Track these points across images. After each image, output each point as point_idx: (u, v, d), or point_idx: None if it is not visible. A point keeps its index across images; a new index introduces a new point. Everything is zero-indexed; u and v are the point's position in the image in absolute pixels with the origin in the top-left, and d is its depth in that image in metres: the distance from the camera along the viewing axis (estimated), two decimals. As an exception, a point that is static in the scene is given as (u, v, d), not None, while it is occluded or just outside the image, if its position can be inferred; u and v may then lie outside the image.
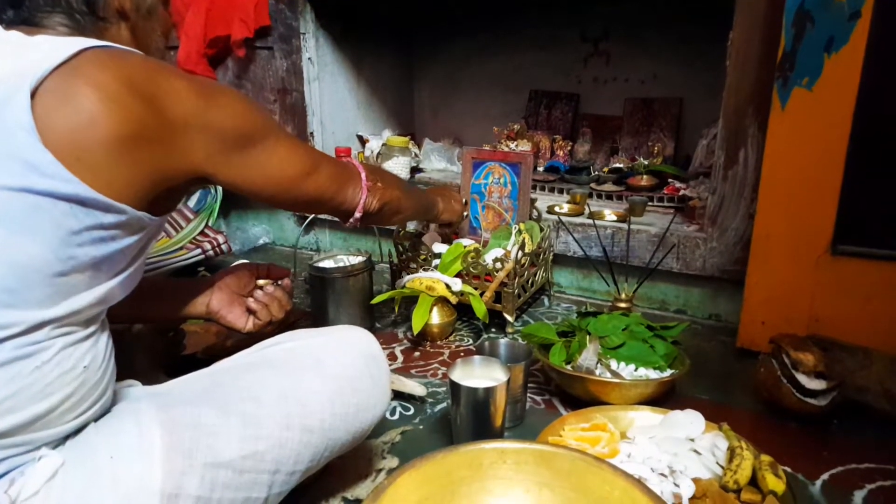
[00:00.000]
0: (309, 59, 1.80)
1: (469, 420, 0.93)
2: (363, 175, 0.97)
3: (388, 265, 1.54)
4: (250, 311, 1.05)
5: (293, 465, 0.72)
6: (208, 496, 0.65)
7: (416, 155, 2.05)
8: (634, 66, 1.94)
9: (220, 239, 1.65)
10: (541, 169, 1.89)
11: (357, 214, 0.97)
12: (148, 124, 0.64)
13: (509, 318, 1.36)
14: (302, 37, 1.77)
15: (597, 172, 1.81)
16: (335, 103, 1.95)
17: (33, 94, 0.58)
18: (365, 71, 2.05)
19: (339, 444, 0.78)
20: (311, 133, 1.87)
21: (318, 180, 0.88)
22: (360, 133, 2.06)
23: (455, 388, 0.92)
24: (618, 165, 1.79)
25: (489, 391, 0.91)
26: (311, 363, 0.78)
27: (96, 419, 0.67)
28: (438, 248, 1.44)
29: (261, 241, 1.95)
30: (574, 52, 2.01)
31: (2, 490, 0.56)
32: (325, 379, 0.77)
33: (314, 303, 1.42)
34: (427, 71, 2.28)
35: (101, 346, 0.67)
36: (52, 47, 0.61)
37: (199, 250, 1.61)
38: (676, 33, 1.81)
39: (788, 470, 0.90)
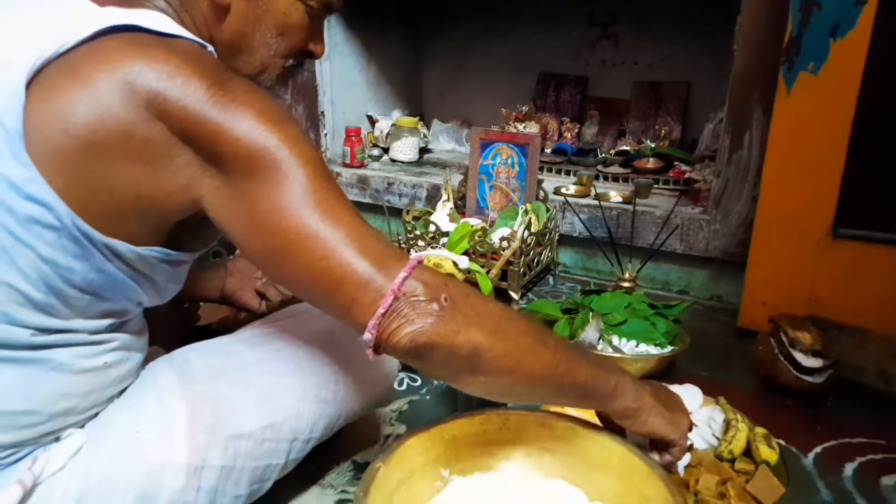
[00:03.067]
0: (320, 38, 1.82)
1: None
2: (406, 269, 0.56)
3: (397, 242, 1.57)
4: (260, 294, 1.10)
5: (309, 434, 0.75)
6: (231, 465, 0.68)
7: (424, 135, 2.07)
8: (643, 49, 1.95)
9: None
10: (548, 151, 1.91)
11: (366, 336, 0.56)
12: (135, 134, 0.53)
13: (514, 296, 1.40)
14: (313, 16, 1.78)
15: (604, 155, 1.84)
16: (345, 83, 1.97)
17: (29, 85, 0.52)
18: (374, 52, 2.06)
19: (352, 412, 0.81)
20: (322, 112, 1.90)
21: (320, 247, 0.56)
22: (369, 113, 2.09)
23: (461, 359, 0.95)
24: (624, 148, 1.81)
25: (494, 362, 0.94)
26: (323, 336, 0.80)
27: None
28: (446, 226, 1.47)
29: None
30: (583, 35, 2.02)
31: (25, 467, 0.58)
32: (338, 351, 0.79)
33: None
34: (435, 52, 2.30)
35: (125, 344, 0.65)
36: (74, 24, 0.54)
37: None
38: (684, 17, 1.82)
39: (782, 443, 0.93)
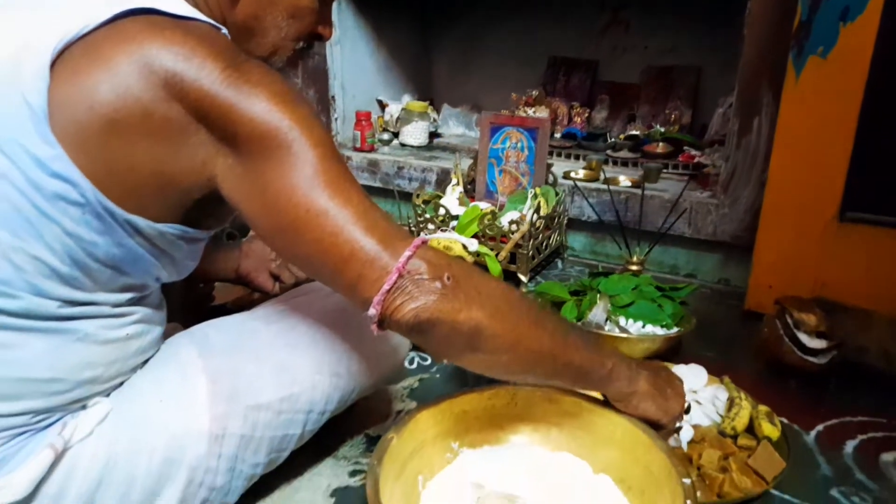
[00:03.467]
0: (332, 22, 1.83)
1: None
2: (410, 248, 0.59)
3: (407, 226, 1.59)
4: (274, 276, 1.13)
5: (324, 406, 0.78)
6: (251, 434, 0.71)
7: (434, 120, 2.09)
8: (653, 34, 1.95)
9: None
10: (558, 135, 1.91)
11: (371, 311, 0.59)
12: (154, 112, 0.56)
13: (523, 279, 1.42)
14: (325, 0, 1.80)
15: (613, 139, 1.84)
16: (356, 67, 1.98)
17: (52, 67, 0.54)
18: (384, 36, 2.07)
19: (365, 386, 0.84)
20: (333, 96, 1.92)
21: (329, 225, 0.58)
22: (379, 97, 2.10)
23: (471, 337, 0.98)
24: (634, 133, 1.82)
25: (503, 340, 0.96)
26: (337, 313, 0.82)
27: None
28: (456, 210, 1.49)
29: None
30: (593, 19, 2.02)
31: (55, 432, 0.61)
32: (351, 328, 0.82)
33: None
34: (445, 36, 2.30)
35: (146, 317, 0.68)
36: (93, 8, 0.56)
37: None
38: (695, 2, 1.81)
39: (785, 421, 0.95)
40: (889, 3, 1.06)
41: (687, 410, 0.79)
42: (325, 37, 0.78)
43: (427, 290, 0.58)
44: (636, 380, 0.72)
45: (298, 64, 1.90)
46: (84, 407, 0.65)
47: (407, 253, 0.58)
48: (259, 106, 0.57)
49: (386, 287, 0.57)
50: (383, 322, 0.60)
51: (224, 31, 0.64)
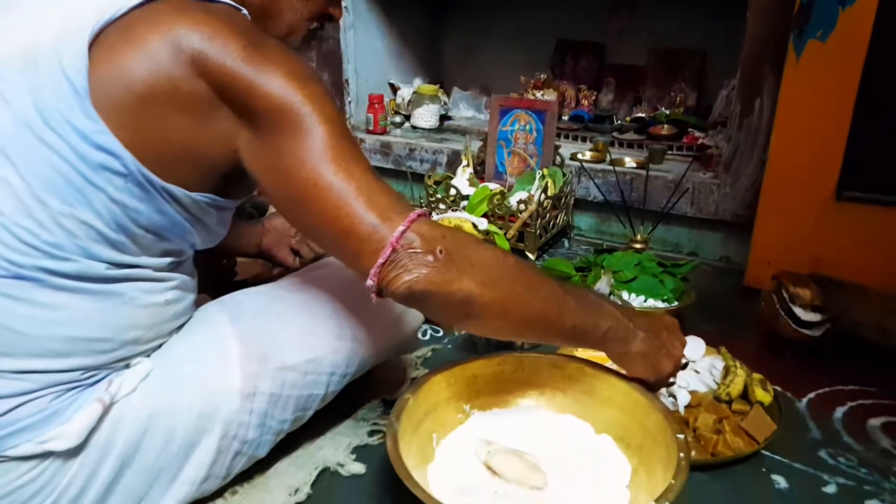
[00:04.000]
0: (345, 7, 1.87)
1: (491, 339, 1.05)
2: (404, 223, 0.63)
3: (420, 205, 1.65)
4: (294, 251, 1.19)
5: (345, 369, 0.85)
6: (279, 393, 0.78)
7: (445, 103, 2.13)
8: (660, 17, 1.97)
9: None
10: (566, 118, 1.95)
11: (368, 283, 0.64)
12: (182, 89, 0.61)
13: (531, 257, 1.47)
14: (339, -14, 1.84)
15: (619, 122, 1.88)
16: (368, 51, 2.02)
17: (90, 48, 0.59)
18: (396, 21, 2.11)
19: (382, 352, 0.90)
20: (346, 80, 1.96)
21: (332, 199, 0.62)
22: (391, 81, 2.14)
23: (481, 308, 1.03)
24: (640, 115, 1.85)
25: (511, 312, 1.02)
26: (355, 284, 0.85)
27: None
28: (467, 190, 1.54)
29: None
30: (601, 2, 2.04)
31: (102, 388, 0.67)
32: (368, 298, 0.87)
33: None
34: (455, 20, 2.33)
35: (182, 284, 0.74)
36: None
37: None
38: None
39: (778, 388, 1.00)
40: (887, -12, 1.10)
41: (684, 367, 0.84)
42: (336, 16, 0.83)
43: (420, 264, 0.62)
44: (630, 341, 0.76)
45: (312, 45, 1.95)
46: (128, 366, 0.71)
47: (401, 228, 0.62)
48: (275, 82, 0.62)
49: (381, 260, 0.62)
50: (381, 292, 0.65)
51: (244, 11, 0.69)
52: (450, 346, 1.16)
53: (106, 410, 0.66)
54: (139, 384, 0.70)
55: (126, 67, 0.60)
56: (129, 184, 0.62)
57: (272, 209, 1.54)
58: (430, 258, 0.63)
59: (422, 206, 1.59)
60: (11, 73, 0.60)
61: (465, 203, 1.50)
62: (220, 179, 0.68)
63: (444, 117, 2.11)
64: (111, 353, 0.68)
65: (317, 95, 0.64)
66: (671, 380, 0.84)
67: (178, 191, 0.65)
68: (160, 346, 0.74)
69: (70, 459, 0.65)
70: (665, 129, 1.74)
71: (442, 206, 1.54)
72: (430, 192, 1.57)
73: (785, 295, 1.14)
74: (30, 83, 0.59)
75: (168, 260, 0.71)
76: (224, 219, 0.75)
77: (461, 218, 1.44)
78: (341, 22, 1.89)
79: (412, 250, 0.63)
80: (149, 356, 0.73)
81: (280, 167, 0.63)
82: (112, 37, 0.60)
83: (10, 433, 0.61)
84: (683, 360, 0.84)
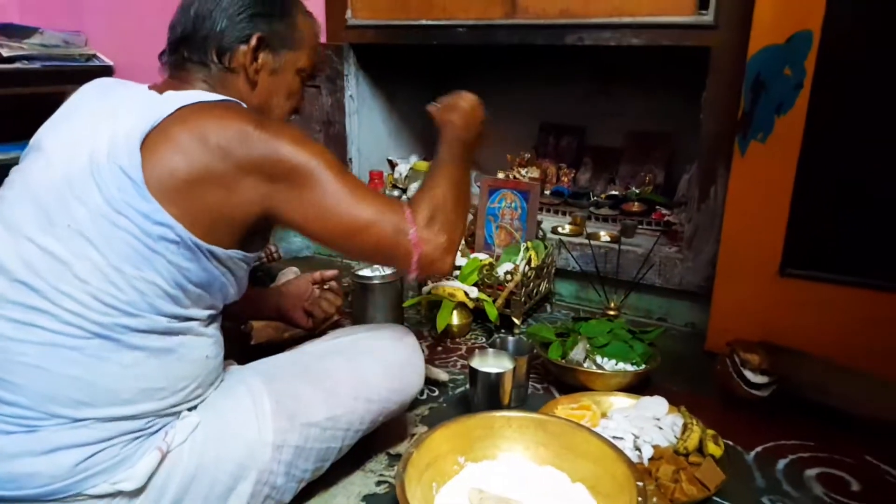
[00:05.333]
0: (350, 95, 2.09)
1: (483, 398, 1.20)
2: (411, 226, 0.91)
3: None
4: (308, 312, 1.35)
5: (359, 426, 1.00)
6: (303, 445, 0.92)
7: (438, 177, 2.32)
8: (633, 103, 2.18)
9: (273, 248, 1.94)
10: (547, 192, 2.14)
11: (411, 276, 0.96)
12: (214, 169, 0.80)
13: (516, 321, 1.63)
14: (345, 78, 2.06)
15: (595, 198, 2.07)
16: (370, 133, 2.23)
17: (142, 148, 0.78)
18: (396, 104, 2.32)
19: (390, 411, 1.06)
20: (350, 159, 2.16)
21: (367, 237, 0.90)
22: (390, 157, 2.34)
23: (473, 372, 1.19)
24: (614, 192, 2.05)
25: (500, 375, 1.18)
26: (370, 352, 1.05)
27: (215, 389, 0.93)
28: (458, 261, 1.71)
29: (303, 253, 2.23)
30: (581, 89, 2.26)
31: (160, 438, 0.82)
32: (381, 364, 1.04)
33: (355, 304, 1.68)
34: (449, 101, 2.56)
35: (217, 342, 0.92)
36: (158, 106, 0.81)
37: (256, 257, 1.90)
38: (670, 76, 2.05)
39: (730, 442, 1.16)
40: (814, 100, 1.30)
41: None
42: (302, 109, 1.07)
43: (433, 247, 0.94)
44: (454, 145, 1.09)
45: (319, 128, 2.14)
46: (178, 416, 0.85)
47: (413, 229, 0.91)
48: (285, 149, 0.84)
49: (414, 264, 0.93)
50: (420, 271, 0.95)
51: (244, 105, 0.90)
52: (445, 405, 1.31)
53: (163, 457, 0.81)
54: (189, 435, 0.84)
55: (168, 160, 0.79)
56: (181, 248, 0.80)
57: (281, 276, 1.71)
58: (434, 240, 0.93)
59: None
60: (82, 176, 0.79)
61: (457, 272, 1.67)
62: (246, 236, 0.88)
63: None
64: (165, 399, 0.83)
65: (318, 151, 0.87)
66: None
67: (218, 250, 0.83)
68: (201, 397, 0.89)
69: (134, 499, 0.79)
70: (636, 206, 1.94)
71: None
72: (426, 262, 1.74)
73: (737, 360, 1.30)
74: (97, 182, 0.78)
75: (209, 313, 0.88)
76: (246, 272, 0.94)
77: (455, 287, 1.61)
78: (347, 108, 2.11)
79: (424, 245, 0.92)
80: (195, 408, 0.88)
81: (309, 209, 0.87)
82: (154, 138, 0.79)
83: (91, 475, 0.76)
84: None
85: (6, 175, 0.88)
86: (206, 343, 0.89)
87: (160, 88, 0.88)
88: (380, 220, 0.90)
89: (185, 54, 0.93)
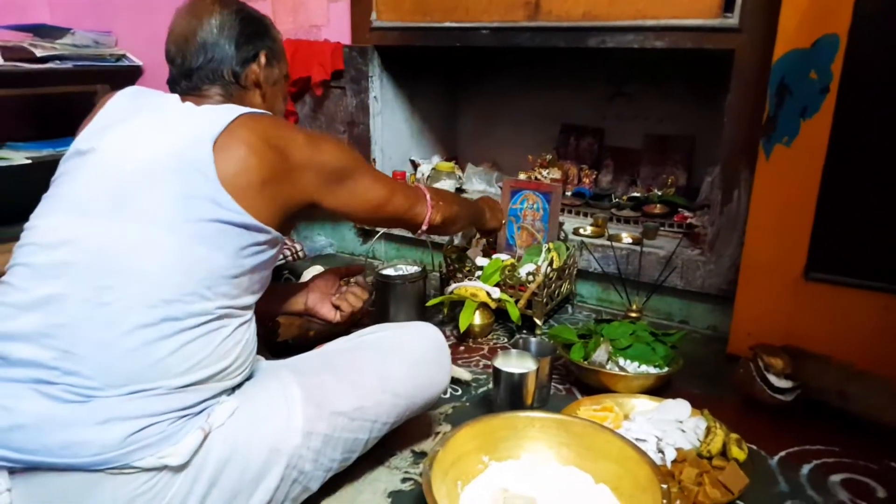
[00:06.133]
0: (374, 97, 2.11)
1: (506, 398, 1.22)
2: (428, 197, 1.29)
3: (438, 274, 1.83)
4: (335, 306, 1.37)
5: (386, 418, 1.02)
6: (331, 434, 0.95)
7: (459, 178, 2.34)
8: (653, 106, 2.19)
9: (298, 247, 1.97)
10: (568, 194, 2.15)
11: (423, 227, 1.28)
12: (278, 168, 0.93)
13: (538, 322, 1.64)
14: (369, 79, 2.09)
15: (617, 199, 2.08)
16: (393, 133, 2.25)
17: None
18: (418, 105, 2.35)
19: (415, 407, 1.08)
20: (374, 159, 2.18)
21: (396, 203, 1.20)
22: (412, 158, 2.36)
23: (497, 372, 1.21)
24: (635, 194, 2.05)
25: (523, 376, 1.19)
26: (397, 348, 1.08)
27: (249, 378, 0.97)
28: (481, 261, 1.73)
29: (325, 251, 2.26)
30: (600, 91, 2.27)
31: (203, 419, 0.86)
32: (407, 359, 1.07)
33: (378, 302, 1.71)
34: (470, 104, 2.58)
35: (252, 327, 0.97)
36: (217, 115, 0.92)
37: (281, 256, 1.93)
38: (691, 79, 2.06)
39: (753, 447, 1.16)
40: (840, 103, 1.30)
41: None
42: (288, 108, 1.28)
43: (437, 208, 1.31)
44: (490, 210, 1.66)
45: (344, 129, 2.17)
46: (218, 399, 0.89)
47: (428, 197, 1.30)
48: (328, 154, 1.02)
49: (428, 215, 1.30)
50: (429, 229, 1.32)
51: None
52: (468, 404, 1.32)
53: (205, 437, 0.84)
54: (227, 419, 0.88)
55: (235, 157, 0.89)
56: (247, 232, 0.90)
57: (305, 274, 1.74)
58: (436, 209, 1.31)
59: (441, 275, 1.78)
60: (164, 174, 0.87)
61: (479, 273, 1.69)
62: (288, 220, 1.00)
63: (459, 190, 2.32)
64: (212, 378, 0.87)
65: (351, 153, 1.09)
66: (504, 221, 1.77)
67: (275, 232, 0.94)
68: (239, 382, 0.93)
69: (177, 474, 0.82)
70: (658, 208, 1.94)
71: (459, 274, 1.72)
72: (449, 261, 1.76)
73: (760, 364, 1.30)
74: (177, 179, 0.87)
75: (253, 298, 0.96)
76: (275, 258, 1.01)
77: (477, 287, 1.62)
78: (371, 109, 2.13)
79: (431, 209, 1.29)
80: (233, 393, 0.92)
81: (353, 197, 1.10)
82: (223, 141, 0.89)
83: (139, 447, 0.79)
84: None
85: (46, 171, 0.96)
86: (248, 328, 0.95)
87: (196, 101, 0.98)
88: (394, 196, 1.19)
89: (198, 81, 1.03)
